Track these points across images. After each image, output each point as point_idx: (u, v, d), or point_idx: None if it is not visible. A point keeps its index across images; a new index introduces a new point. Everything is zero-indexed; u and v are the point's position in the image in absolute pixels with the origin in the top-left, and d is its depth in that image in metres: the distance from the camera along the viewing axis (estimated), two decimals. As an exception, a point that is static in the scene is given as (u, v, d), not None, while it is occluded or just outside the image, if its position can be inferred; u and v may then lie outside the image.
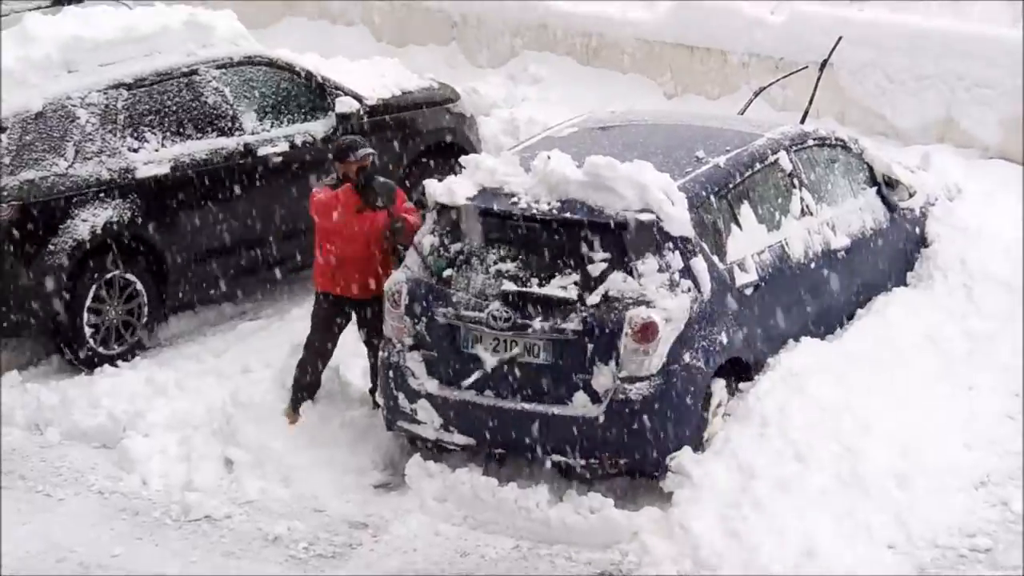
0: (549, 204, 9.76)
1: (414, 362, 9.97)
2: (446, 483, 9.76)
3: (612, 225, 9.61)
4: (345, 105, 13.03)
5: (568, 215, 9.68)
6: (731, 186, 10.22)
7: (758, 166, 10.47)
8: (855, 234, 11.06)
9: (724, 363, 9.80)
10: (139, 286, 11.94)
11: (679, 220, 9.64)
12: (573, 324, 9.53)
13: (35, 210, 11.45)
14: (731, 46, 16.17)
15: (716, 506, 9.14)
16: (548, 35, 17.37)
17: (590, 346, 9.52)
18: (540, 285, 9.66)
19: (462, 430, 9.83)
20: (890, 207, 11.51)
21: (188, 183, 12.18)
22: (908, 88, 15.28)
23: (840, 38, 12.98)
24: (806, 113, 12.23)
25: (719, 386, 9.82)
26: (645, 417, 9.44)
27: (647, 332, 9.42)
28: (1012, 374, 10.82)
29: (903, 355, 10.58)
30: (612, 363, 9.48)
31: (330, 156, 10.81)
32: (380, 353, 10.14)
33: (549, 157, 9.93)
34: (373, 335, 10.47)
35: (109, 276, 11.77)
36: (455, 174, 10.33)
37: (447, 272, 9.93)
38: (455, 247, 9.99)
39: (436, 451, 10.07)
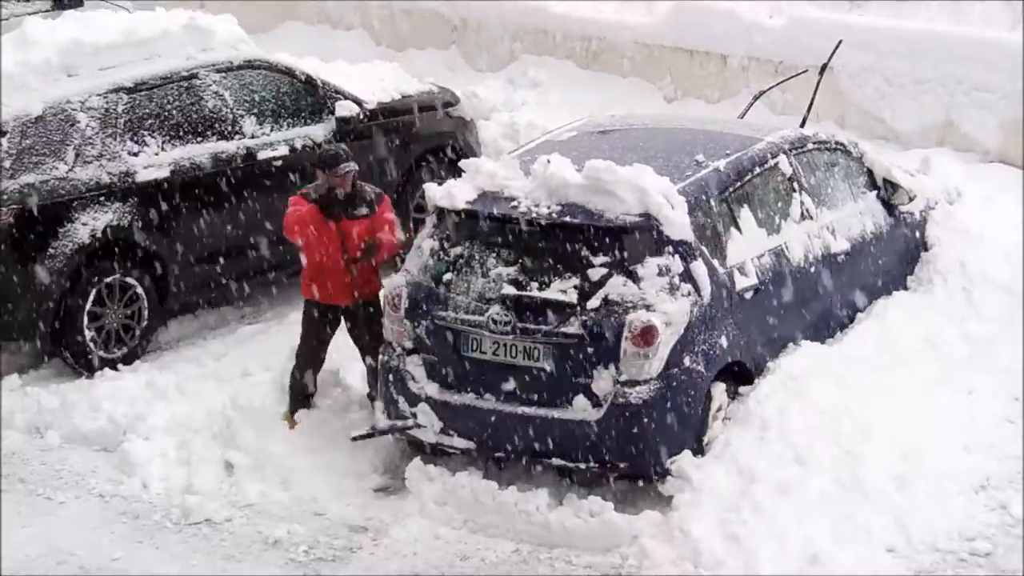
0: (549, 208, 9.76)
1: (414, 366, 9.98)
2: (446, 487, 9.75)
3: (612, 229, 9.61)
4: (345, 109, 13.05)
5: (568, 219, 9.68)
6: (731, 190, 10.22)
7: (758, 170, 10.47)
8: (855, 238, 11.06)
9: (724, 367, 9.81)
10: (139, 290, 11.95)
11: (679, 224, 9.64)
12: (573, 328, 9.53)
13: (35, 214, 11.46)
14: (731, 50, 16.18)
15: (716, 510, 9.14)
16: (548, 39, 17.39)
17: (590, 350, 9.52)
18: (540, 289, 9.66)
19: (462, 434, 9.83)
20: (890, 211, 11.51)
21: (188, 187, 12.19)
22: (908, 92, 15.28)
23: (840, 42, 13.00)
24: (806, 117, 12.23)
25: (719, 390, 9.82)
26: (645, 421, 9.44)
27: (647, 336, 9.42)
28: (1012, 378, 10.83)
29: (903, 359, 10.59)
30: (612, 367, 9.49)
31: (313, 163, 10.78)
32: (380, 357, 10.14)
33: (549, 161, 9.94)
34: (365, 340, 10.49)
35: (109, 280, 11.78)
36: (455, 178, 10.34)
37: (447, 276, 9.93)
38: (455, 251, 9.99)
39: (436, 455, 10.07)
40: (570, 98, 16.29)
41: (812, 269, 10.60)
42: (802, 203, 10.70)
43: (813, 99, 12.51)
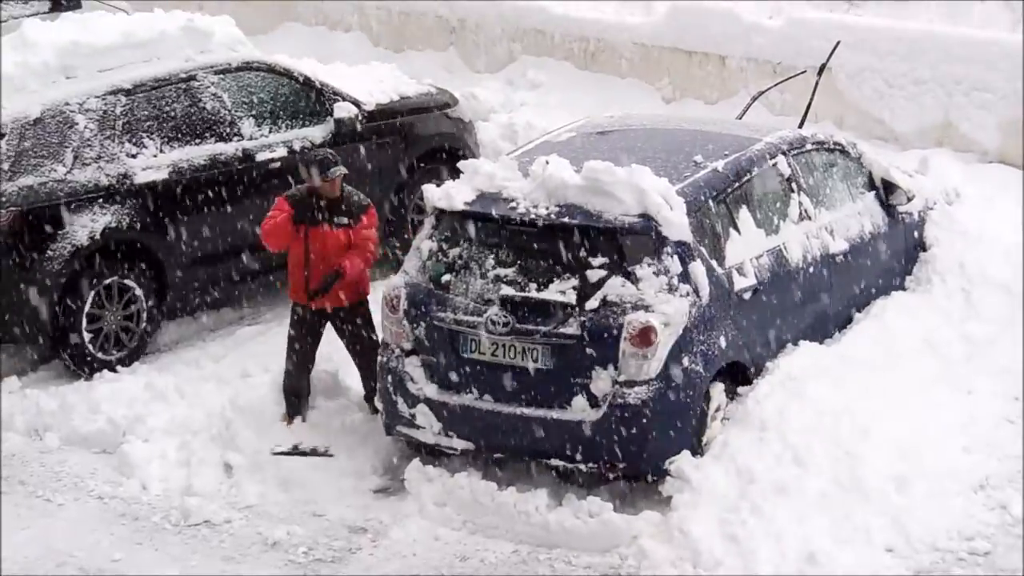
0: (547, 209, 9.76)
1: (412, 367, 9.98)
2: (445, 487, 9.75)
3: (611, 230, 9.62)
4: (343, 110, 13.03)
5: (566, 220, 9.68)
6: (729, 190, 10.22)
7: (756, 170, 10.47)
8: (854, 238, 11.06)
9: (723, 367, 9.81)
10: (138, 291, 11.94)
11: (677, 225, 9.64)
12: (572, 328, 9.53)
13: (34, 216, 11.46)
14: (729, 50, 16.19)
15: (715, 510, 9.14)
16: (546, 40, 17.39)
17: (589, 350, 9.52)
18: (539, 290, 9.66)
19: (461, 434, 9.83)
20: (888, 211, 11.51)
21: (186, 189, 12.18)
22: (906, 92, 15.30)
23: (838, 42, 13.00)
24: (804, 117, 12.23)
25: (718, 390, 9.82)
26: (644, 421, 9.45)
27: (646, 336, 9.42)
28: (1011, 378, 10.83)
29: (902, 359, 10.59)
30: (611, 367, 9.49)
31: (301, 166, 10.78)
32: (378, 358, 10.14)
33: (547, 162, 9.94)
34: (355, 343, 10.51)
35: (108, 281, 11.77)
36: (453, 179, 10.34)
37: (446, 277, 9.93)
38: (453, 252, 9.99)
39: (435, 455, 10.07)
40: (569, 99, 16.30)
41: (811, 270, 10.60)
42: (800, 204, 10.70)
43: (812, 100, 12.50)
